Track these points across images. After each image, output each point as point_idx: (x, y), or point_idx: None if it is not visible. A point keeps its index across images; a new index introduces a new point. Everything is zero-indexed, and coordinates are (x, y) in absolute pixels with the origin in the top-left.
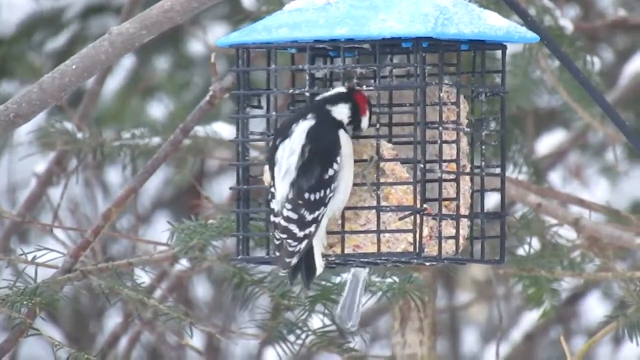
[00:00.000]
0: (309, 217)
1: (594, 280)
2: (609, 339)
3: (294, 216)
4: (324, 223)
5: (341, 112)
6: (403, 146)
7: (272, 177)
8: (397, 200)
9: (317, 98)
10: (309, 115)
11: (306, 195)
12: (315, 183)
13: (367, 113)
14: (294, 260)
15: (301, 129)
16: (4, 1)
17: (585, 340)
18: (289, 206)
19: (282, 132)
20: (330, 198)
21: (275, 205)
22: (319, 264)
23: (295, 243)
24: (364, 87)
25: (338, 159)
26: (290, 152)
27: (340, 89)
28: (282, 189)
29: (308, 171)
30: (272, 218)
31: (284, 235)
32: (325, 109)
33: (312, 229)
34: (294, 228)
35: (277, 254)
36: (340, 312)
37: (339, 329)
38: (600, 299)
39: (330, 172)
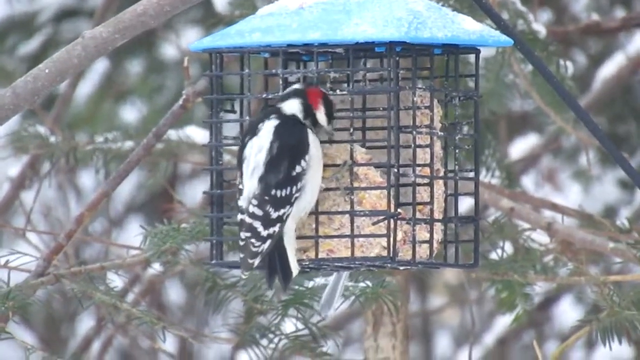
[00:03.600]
0: (274, 215)
1: (566, 284)
2: (582, 343)
3: (259, 212)
4: (290, 225)
5: (291, 106)
6: (377, 150)
7: (241, 175)
8: (371, 204)
9: (277, 100)
10: (272, 116)
11: (273, 191)
12: (283, 179)
13: (322, 108)
14: (257, 262)
15: (268, 127)
16: None
17: (558, 344)
18: (254, 202)
19: (250, 131)
20: (296, 197)
21: (242, 202)
22: (294, 266)
23: (259, 243)
24: (337, 92)
25: (306, 156)
26: (258, 149)
27: (295, 86)
28: (250, 185)
29: (275, 166)
30: (238, 216)
31: (248, 234)
32: (278, 107)
33: (276, 228)
34: (258, 226)
35: (241, 255)
36: (321, 305)
37: (314, 336)
38: (573, 303)
39: (298, 169)
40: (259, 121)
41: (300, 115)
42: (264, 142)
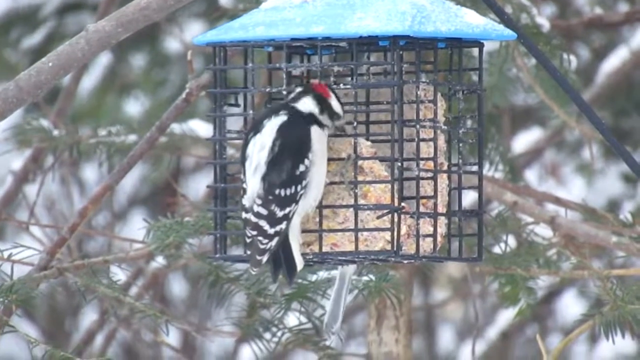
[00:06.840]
0: (280, 214)
1: (570, 278)
2: (585, 337)
3: (264, 212)
4: (295, 221)
5: (306, 104)
6: (381, 144)
7: (244, 173)
8: (376, 198)
9: (285, 100)
10: (281, 112)
11: (277, 190)
12: (287, 178)
13: (332, 95)
14: (265, 258)
15: (273, 124)
16: None
17: (561, 338)
18: (259, 201)
19: (254, 127)
20: (301, 195)
21: (246, 201)
22: (299, 260)
23: (266, 240)
24: (341, 85)
25: (309, 155)
26: (260, 147)
27: (297, 88)
28: (252, 184)
29: (278, 166)
30: (243, 215)
31: (254, 232)
32: (291, 106)
33: (283, 226)
34: (264, 224)
35: (248, 252)
36: (327, 321)
37: (317, 330)
38: (576, 298)
39: (302, 167)
40: (263, 117)
41: (316, 110)
42: (267, 140)
